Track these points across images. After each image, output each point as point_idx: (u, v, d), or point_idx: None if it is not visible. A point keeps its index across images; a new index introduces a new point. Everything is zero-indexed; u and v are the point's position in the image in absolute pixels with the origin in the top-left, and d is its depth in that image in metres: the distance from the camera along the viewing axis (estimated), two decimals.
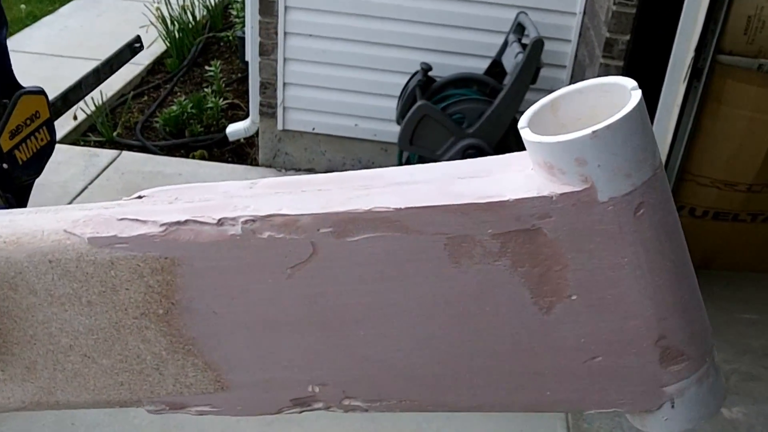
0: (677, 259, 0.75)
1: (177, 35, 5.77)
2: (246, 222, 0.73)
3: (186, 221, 0.75)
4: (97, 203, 0.82)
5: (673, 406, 0.84)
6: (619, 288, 0.73)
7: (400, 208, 0.68)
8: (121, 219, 0.79)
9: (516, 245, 0.70)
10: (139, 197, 0.82)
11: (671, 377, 0.82)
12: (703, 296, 0.82)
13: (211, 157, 4.67)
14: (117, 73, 5.45)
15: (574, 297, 0.74)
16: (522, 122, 0.71)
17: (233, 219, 0.73)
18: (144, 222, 0.77)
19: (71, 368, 0.87)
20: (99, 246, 0.79)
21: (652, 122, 3.24)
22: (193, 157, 4.63)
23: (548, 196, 0.68)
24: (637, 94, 0.65)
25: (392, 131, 3.99)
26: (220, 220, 0.74)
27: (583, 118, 0.71)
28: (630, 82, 0.67)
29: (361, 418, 2.71)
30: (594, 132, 0.65)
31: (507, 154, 0.75)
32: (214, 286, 0.77)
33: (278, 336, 0.78)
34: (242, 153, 4.74)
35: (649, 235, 0.71)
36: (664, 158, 3.47)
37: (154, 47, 5.80)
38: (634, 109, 0.65)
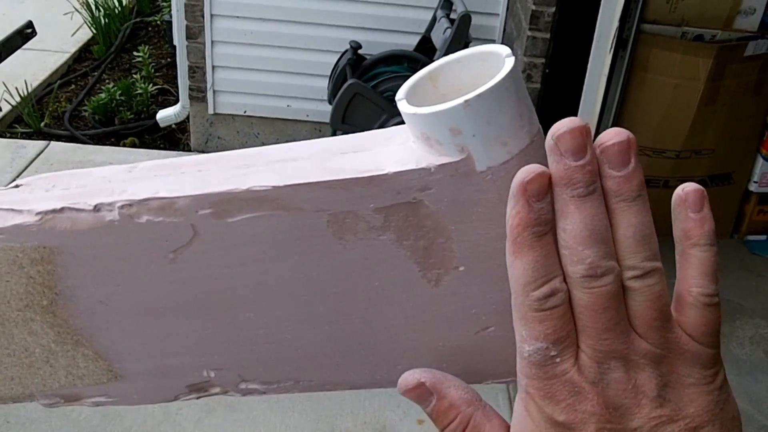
0: None
1: (103, 21, 5.65)
2: (123, 207, 0.71)
3: (62, 209, 0.72)
4: None
5: None
6: (504, 257, 0.73)
7: (279, 186, 0.67)
8: None
9: (399, 219, 0.69)
10: (17, 186, 0.79)
11: None
12: None
13: (143, 144, 4.59)
14: (42, 61, 5.32)
15: (461, 268, 0.73)
16: (399, 94, 0.70)
17: (110, 204, 0.71)
18: (19, 211, 0.74)
19: None
20: None
21: (580, 93, 3.28)
22: (124, 145, 4.55)
23: (427, 168, 0.67)
24: (510, 62, 0.64)
25: (325, 111, 3.96)
26: (96, 205, 0.72)
27: (465, 87, 0.69)
28: (504, 50, 0.66)
29: None
30: (466, 101, 0.63)
31: (390, 128, 0.74)
32: (96, 274, 0.74)
33: (166, 322, 0.76)
34: (174, 139, 4.67)
35: None
36: (594, 128, 3.50)
37: (79, 34, 5.68)
38: (506, 76, 0.64)
